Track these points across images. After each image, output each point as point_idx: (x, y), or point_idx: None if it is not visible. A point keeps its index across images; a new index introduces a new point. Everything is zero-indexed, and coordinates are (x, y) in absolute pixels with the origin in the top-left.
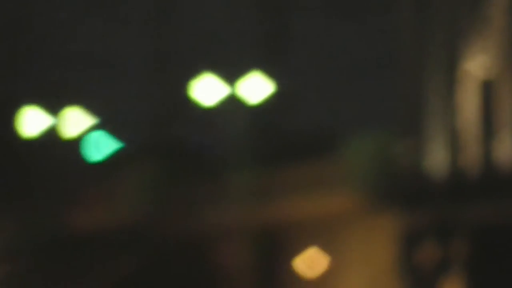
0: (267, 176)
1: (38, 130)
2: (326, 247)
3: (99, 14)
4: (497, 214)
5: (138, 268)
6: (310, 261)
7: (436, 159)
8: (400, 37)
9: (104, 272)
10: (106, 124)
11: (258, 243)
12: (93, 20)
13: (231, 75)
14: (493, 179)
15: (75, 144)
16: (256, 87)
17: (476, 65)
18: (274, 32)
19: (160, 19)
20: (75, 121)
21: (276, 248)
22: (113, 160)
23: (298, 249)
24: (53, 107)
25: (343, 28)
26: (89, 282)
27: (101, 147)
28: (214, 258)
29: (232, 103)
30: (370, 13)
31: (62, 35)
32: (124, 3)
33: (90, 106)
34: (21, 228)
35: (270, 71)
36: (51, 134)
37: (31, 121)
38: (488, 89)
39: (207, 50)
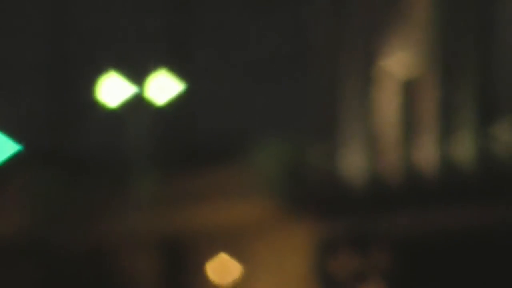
0: (173, 183)
1: None
2: (237, 255)
3: None
4: (419, 223)
5: (36, 278)
6: (221, 269)
7: (353, 164)
8: (313, 33)
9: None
10: (3, 127)
11: (164, 252)
12: None
13: (137, 74)
14: (414, 185)
15: None
16: (163, 87)
17: (395, 63)
18: (182, 28)
19: (57, 16)
20: None
21: (183, 257)
22: (7, 165)
23: (207, 258)
24: None
25: (254, 23)
26: None
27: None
28: (114, 268)
29: (138, 103)
30: (282, 8)
31: None
32: (20, 3)
33: None
34: None
35: (178, 70)
36: None
37: None
38: (408, 89)
39: (110, 48)
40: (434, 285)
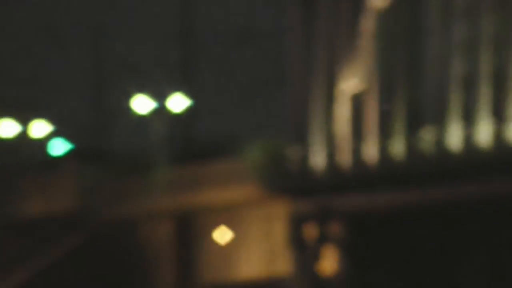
0: (183, 172)
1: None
2: (232, 224)
3: (45, 42)
4: (366, 202)
5: (79, 245)
6: (221, 234)
7: (317, 159)
8: (289, 61)
9: (50, 250)
10: (60, 131)
11: (177, 222)
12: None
13: (158, 94)
14: (361, 174)
15: (40, 144)
16: (178, 102)
17: (349, 85)
18: (188, 61)
19: (104, 49)
20: (39, 128)
21: (191, 225)
22: (62, 159)
23: (209, 226)
24: (22, 118)
25: (242, 53)
26: (38, 259)
27: (58, 148)
28: (140, 233)
29: (160, 114)
30: (266, 40)
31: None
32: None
33: (49, 117)
34: None
35: (187, 90)
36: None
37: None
38: (357, 103)
39: (139, 72)
40: (375, 248)
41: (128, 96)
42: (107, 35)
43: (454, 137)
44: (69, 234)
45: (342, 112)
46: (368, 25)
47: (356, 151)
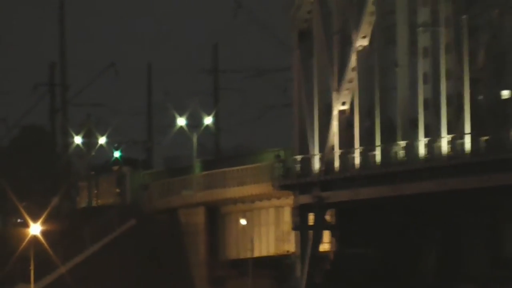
0: (213, 174)
1: None
2: (250, 213)
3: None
4: (352, 195)
5: (132, 227)
6: (243, 219)
7: (315, 163)
8: (293, 90)
9: (112, 231)
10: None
11: (208, 210)
12: None
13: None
14: (349, 175)
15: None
16: (209, 121)
17: (339, 107)
18: (217, 90)
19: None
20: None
21: (218, 213)
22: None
23: (232, 214)
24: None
25: (258, 84)
26: (103, 237)
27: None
28: (179, 219)
29: (196, 130)
30: (275, 74)
31: None
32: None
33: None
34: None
35: (216, 112)
36: None
37: None
38: (345, 121)
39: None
40: (359, 230)
41: (172, 117)
42: (155, 70)
43: (421, 146)
44: (125, 219)
45: (334, 128)
46: (352, 61)
47: (345, 157)
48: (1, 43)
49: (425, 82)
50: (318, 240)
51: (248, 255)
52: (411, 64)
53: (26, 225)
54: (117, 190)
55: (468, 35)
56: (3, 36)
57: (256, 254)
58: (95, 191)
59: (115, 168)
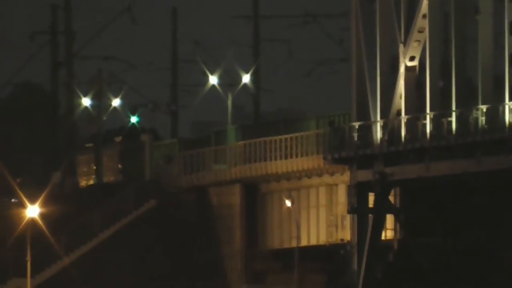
0: (252, 144)
1: None
2: (296, 194)
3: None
4: (418, 171)
5: (153, 209)
6: (288, 200)
7: (377, 134)
8: (351, 41)
9: (129, 212)
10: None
11: (246, 188)
12: None
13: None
14: (419, 147)
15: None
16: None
17: (406, 63)
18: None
19: None
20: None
21: (258, 191)
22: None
23: (276, 194)
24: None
25: (307, 34)
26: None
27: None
28: (211, 201)
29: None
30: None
31: None
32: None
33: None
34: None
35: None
36: None
37: None
38: (414, 80)
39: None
40: (429, 215)
41: (202, 73)
42: (180, 16)
43: (507, 111)
44: (143, 200)
45: (400, 88)
46: (423, 5)
47: (413, 124)
48: None
49: None
50: (379, 226)
51: (294, 244)
52: (495, 10)
53: (22, 205)
54: (119, 166)
55: None
56: None
57: (304, 243)
58: (94, 168)
59: (118, 139)
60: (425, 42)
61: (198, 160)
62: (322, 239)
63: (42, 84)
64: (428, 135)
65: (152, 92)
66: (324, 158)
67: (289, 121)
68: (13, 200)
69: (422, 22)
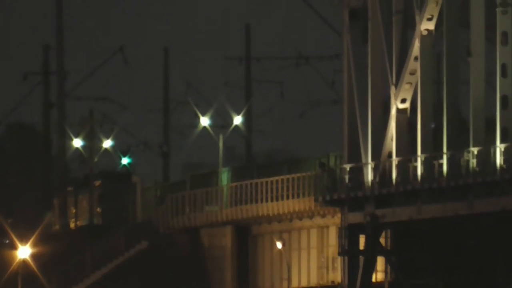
0: (243, 185)
1: None
2: (287, 235)
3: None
4: (409, 214)
5: (143, 251)
6: (279, 241)
7: (368, 176)
8: (343, 83)
9: (119, 254)
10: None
11: (237, 230)
12: None
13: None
14: (410, 189)
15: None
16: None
17: (398, 104)
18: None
19: None
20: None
21: (249, 233)
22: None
23: (267, 236)
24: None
25: (298, 76)
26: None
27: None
28: (203, 240)
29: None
30: (320, 63)
31: None
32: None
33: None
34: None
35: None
36: None
37: None
38: (405, 122)
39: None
40: (422, 256)
41: (194, 115)
42: (173, 57)
43: (497, 153)
44: (135, 241)
45: (392, 130)
46: (415, 48)
47: (404, 166)
48: None
49: (503, 75)
50: (370, 268)
51: (285, 286)
52: (487, 52)
53: (13, 246)
54: (98, 210)
55: None
56: None
57: (295, 284)
58: (74, 210)
59: (97, 183)
60: (416, 84)
61: (190, 202)
62: (313, 281)
63: (34, 124)
64: (419, 177)
65: (144, 133)
66: (315, 200)
67: (280, 163)
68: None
69: (413, 64)
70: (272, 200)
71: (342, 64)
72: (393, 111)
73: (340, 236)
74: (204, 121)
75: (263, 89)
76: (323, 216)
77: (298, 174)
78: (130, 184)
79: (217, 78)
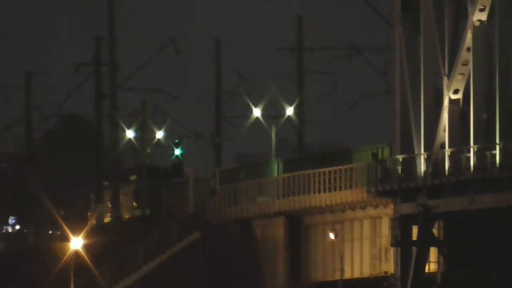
0: (296, 176)
1: None
2: (339, 226)
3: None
4: (462, 204)
5: (195, 241)
6: (332, 232)
7: (421, 166)
8: (396, 74)
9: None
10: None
11: (289, 221)
12: None
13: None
14: (463, 180)
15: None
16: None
17: (450, 95)
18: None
19: None
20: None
21: (301, 224)
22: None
23: (320, 227)
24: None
25: (351, 67)
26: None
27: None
28: (253, 233)
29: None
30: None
31: None
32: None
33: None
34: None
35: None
36: None
37: None
38: (458, 112)
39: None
40: (474, 247)
41: (246, 106)
42: (224, 48)
43: None
44: (187, 232)
45: (444, 121)
46: (467, 39)
47: (457, 157)
48: (39, 17)
49: None
50: (423, 259)
51: (338, 276)
52: None
53: (62, 238)
54: (134, 204)
55: None
56: (41, 8)
57: (347, 275)
58: (110, 205)
59: (133, 178)
60: (469, 74)
61: (242, 193)
62: (366, 272)
63: (86, 115)
64: (472, 168)
65: (195, 124)
66: (368, 191)
67: (332, 154)
68: (50, 231)
69: (466, 55)
70: (324, 191)
71: (394, 55)
72: (446, 102)
73: (392, 227)
74: (257, 112)
75: (315, 80)
76: (376, 207)
77: (351, 165)
78: (183, 175)
79: (268, 69)
